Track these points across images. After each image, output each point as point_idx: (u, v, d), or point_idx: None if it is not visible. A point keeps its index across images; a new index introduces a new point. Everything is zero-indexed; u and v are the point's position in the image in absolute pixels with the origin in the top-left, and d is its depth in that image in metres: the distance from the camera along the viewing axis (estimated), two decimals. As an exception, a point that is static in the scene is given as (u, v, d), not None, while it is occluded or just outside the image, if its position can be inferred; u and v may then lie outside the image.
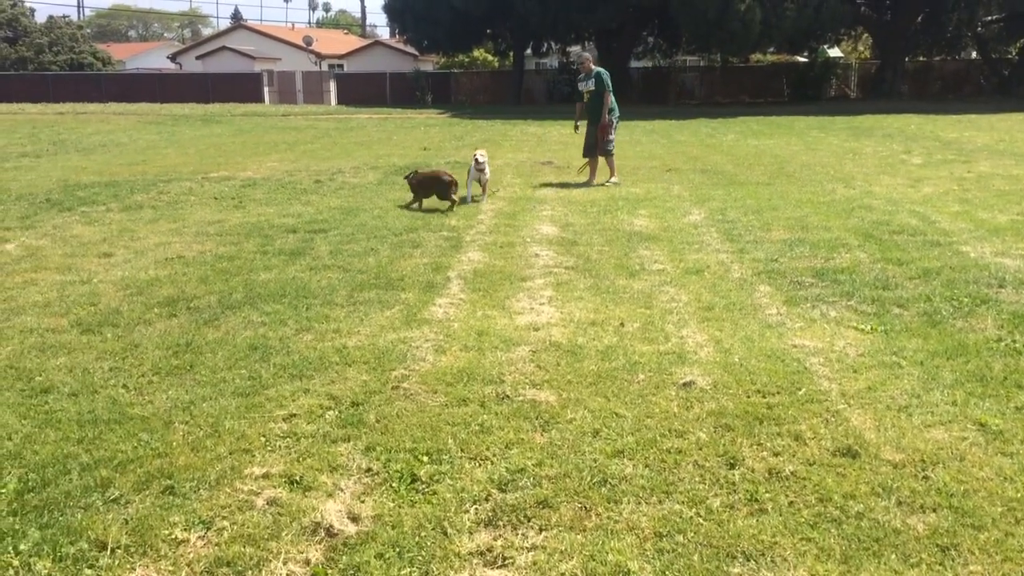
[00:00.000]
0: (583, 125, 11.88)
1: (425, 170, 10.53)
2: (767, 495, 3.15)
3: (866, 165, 13.54)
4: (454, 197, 9.54)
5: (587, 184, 11.46)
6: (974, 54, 42.14)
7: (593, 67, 11.65)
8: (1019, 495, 3.11)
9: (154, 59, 61.09)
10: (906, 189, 10.72)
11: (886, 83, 36.76)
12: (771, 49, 39.43)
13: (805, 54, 40.44)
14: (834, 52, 42.58)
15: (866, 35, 42.83)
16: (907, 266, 6.50)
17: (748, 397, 4.04)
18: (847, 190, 10.69)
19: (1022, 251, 6.98)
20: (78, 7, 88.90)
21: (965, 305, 5.45)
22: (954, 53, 40.90)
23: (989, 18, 37.95)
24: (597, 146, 11.53)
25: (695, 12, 30.53)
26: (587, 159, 11.73)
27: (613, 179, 11.56)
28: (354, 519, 3.01)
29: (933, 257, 6.79)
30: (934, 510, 3.04)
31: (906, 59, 38.52)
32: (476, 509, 3.09)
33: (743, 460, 3.42)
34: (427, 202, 9.67)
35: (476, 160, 10.09)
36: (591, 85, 11.47)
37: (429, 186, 9.72)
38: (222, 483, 3.25)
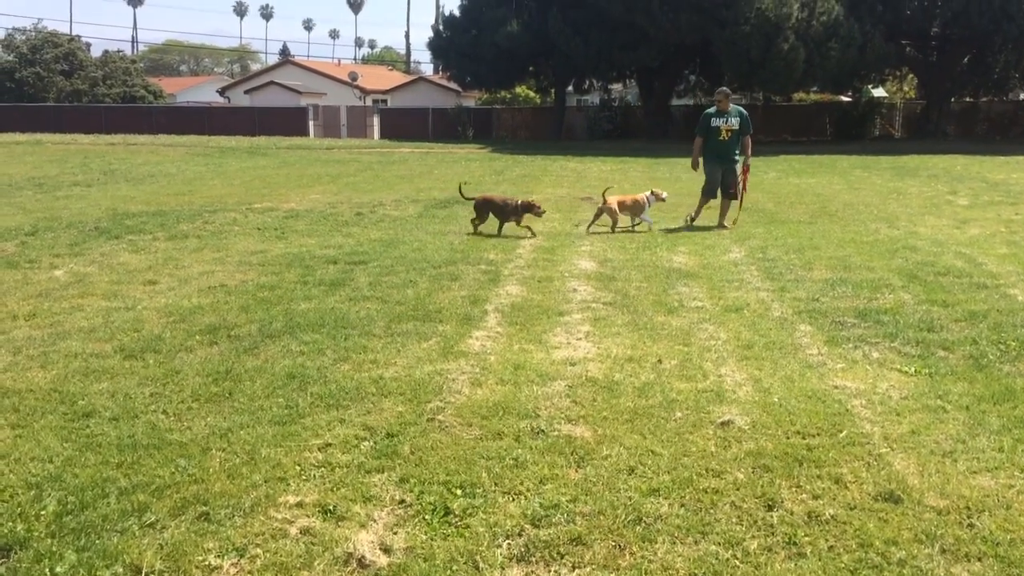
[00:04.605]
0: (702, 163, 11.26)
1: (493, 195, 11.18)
2: (806, 539, 3.09)
3: (910, 205, 13.37)
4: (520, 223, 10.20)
5: (721, 225, 10.92)
6: (1022, 95, 41.54)
7: (731, 105, 11.12)
8: (1070, 547, 3.01)
9: (204, 93, 62.74)
10: (952, 230, 10.55)
11: (931, 123, 36.30)
12: (814, 88, 39.23)
13: (849, 93, 40.18)
14: (878, 92, 42.24)
15: (911, 75, 42.48)
16: (952, 308, 6.38)
17: (787, 438, 3.97)
18: (891, 230, 10.55)
19: (1073, 295, 6.81)
20: (132, 42, 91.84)
21: (1013, 349, 5.32)
22: (1001, 94, 40.25)
23: (1038, 59, 37.42)
24: (733, 186, 11.04)
25: (738, 51, 30.56)
26: (725, 199, 11.13)
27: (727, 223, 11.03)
28: (386, 550, 3.01)
29: (980, 299, 6.65)
30: (979, 559, 2.95)
31: (952, 99, 38.07)
32: (509, 544, 3.06)
33: (782, 502, 3.36)
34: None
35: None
36: (735, 124, 10.86)
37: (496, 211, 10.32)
38: (256, 511, 3.26)
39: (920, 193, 15.29)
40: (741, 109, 11.21)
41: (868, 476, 3.57)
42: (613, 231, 10.53)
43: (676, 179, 17.88)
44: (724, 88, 11.58)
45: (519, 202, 10.31)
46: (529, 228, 10.17)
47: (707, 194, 11.17)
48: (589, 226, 10.68)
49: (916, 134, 36.75)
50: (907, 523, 3.19)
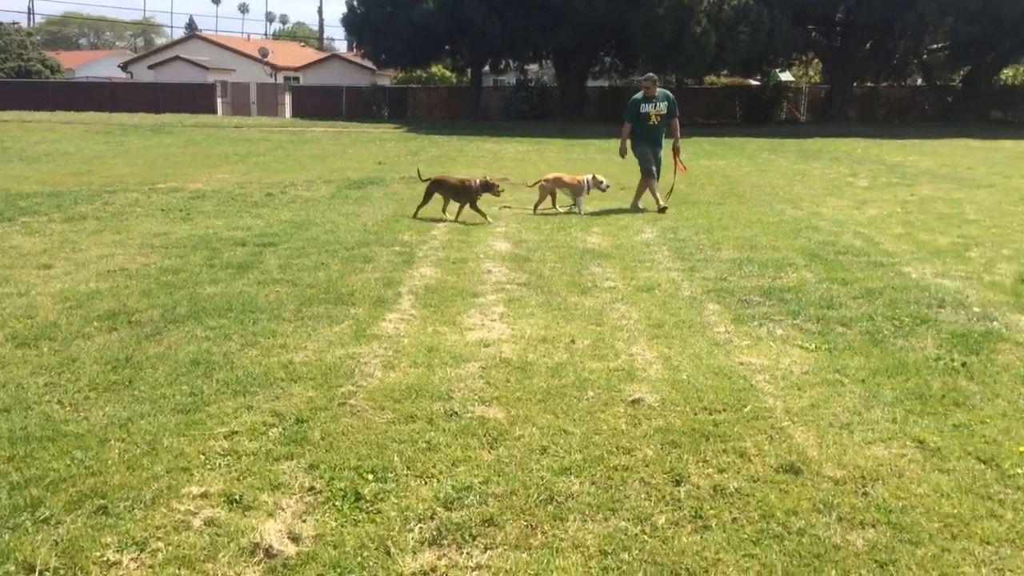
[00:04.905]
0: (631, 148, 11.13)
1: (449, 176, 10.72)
2: (711, 512, 3.17)
3: (814, 187, 13.81)
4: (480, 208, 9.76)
5: (659, 210, 10.72)
6: (919, 81, 43.33)
7: (658, 89, 10.99)
8: (955, 511, 3.17)
9: (105, 68, 60.06)
10: (851, 211, 10.94)
11: (834, 107, 37.60)
12: (725, 72, 40.07)
13: (758, 77, 41.20)
14: (785, 76, 43.40)
15: (816, 60, 43.81)
16: (851, 286, 6.62)
17: (695, 414, 4.06)
18: (795, 211, 10.88)
19: (961, 272, 7.16)
20: (28, 13, 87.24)
21: (906, 324, 5.56)
22: (900, 80, 41.98)
23: (935, 46, 39.07)
24: (658, 169, 10.99)
25: (652, 34, 30.97)
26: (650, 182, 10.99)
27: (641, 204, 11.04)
28: (295, 539, 2.95)
29: (876, 277, 6.92)
30: (873, 526, 3.08)
31: (854, 84, 39.45)
32: (420, 528, 3.05)
33: (689, 477, 3.43)
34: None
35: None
36: (663, 109, 10.85)
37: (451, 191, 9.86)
38: (158, 503, 3.16)
39: (823, 175, 15.81)
40: (668, 92, 11.20)
41: (770, 449, 3.68)
42: (535, 211, 10.54)
43: (591, 160, 18.04)
44: (651, 74, 11.53)
45: (477, 182, 9.80)
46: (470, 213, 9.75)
47: (648, 175, 11.03)
48: (536, 207, 10.64)
49: (820, 118, 38.00)
50: (806, 493, 3.30)
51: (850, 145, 23.54)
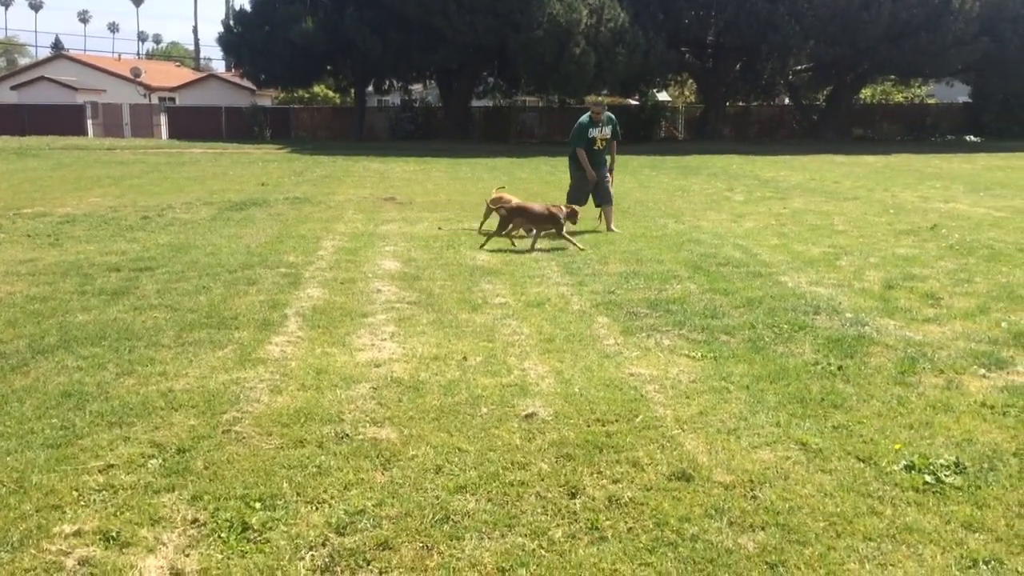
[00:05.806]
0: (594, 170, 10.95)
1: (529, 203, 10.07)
2: (607, 523, 3.18)
3: (694, 202, 14.28)
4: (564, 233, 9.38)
5: (610, 231, 10.67)
6: (787, 100, 45.62)
7: (604, 114, 10.93)
8: (839, 510, 3.29)
9: (-39, 88, 56.48)
10: (730, 224, 11.36)
11: (710, 125, 39.16)
12: (605, 91, 41.07)
13: (636, 97, 42.44)
14: (662, 96, 44.89)
15: (691, 81, 45.54)
16: (732, 296, 6.85)
17: (588, 426, 4.09)
18: (677, 225, 11.21)
19: (833, 280, 7.52)
20: None
21: (785, 331, 5.79)
22: (769, 99, 44.13)
23: (799, 67, 41.27)
24: (607, 191, 10.92)
25: (532, 55, 31.48)
26: (600, 206, 10.97)
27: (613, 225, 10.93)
28: (177, 575, 2.80)
29: (756, 287, 7.19)
30: (763, 528, 3.16)
31: (727, 104, 41.19)
32: (312, 555, 2.94)
33: (584, 489, 3.45)
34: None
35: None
36: (607, 133, 10.82)
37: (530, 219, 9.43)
38: (26, 544, 2.94)
39: (702, 190, 16.38)
40: (611, 116, 11.15)
41: (662, 457, 3.74)
42: (480, 231, 10.23)
43: (479, 179, 18.12)
44: (600, 100, 11.45)
45: (564, 210, 9.45)
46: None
47: (574, 202, 10.78)
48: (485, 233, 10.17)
49: (697, 136, 39.46)
50: (698, 499, 3.37)
51: (726, 162, 24.51)
